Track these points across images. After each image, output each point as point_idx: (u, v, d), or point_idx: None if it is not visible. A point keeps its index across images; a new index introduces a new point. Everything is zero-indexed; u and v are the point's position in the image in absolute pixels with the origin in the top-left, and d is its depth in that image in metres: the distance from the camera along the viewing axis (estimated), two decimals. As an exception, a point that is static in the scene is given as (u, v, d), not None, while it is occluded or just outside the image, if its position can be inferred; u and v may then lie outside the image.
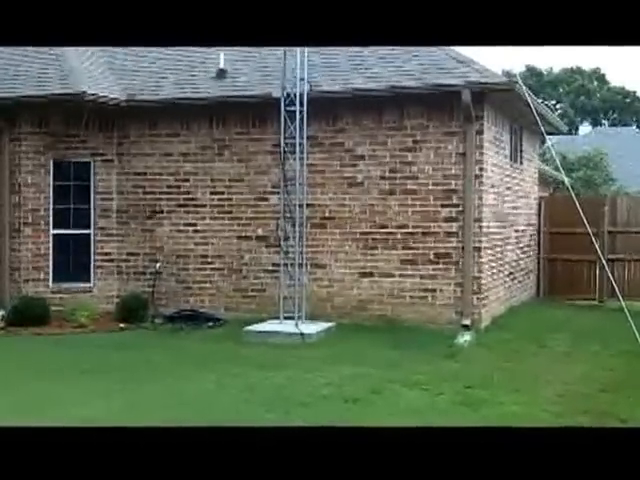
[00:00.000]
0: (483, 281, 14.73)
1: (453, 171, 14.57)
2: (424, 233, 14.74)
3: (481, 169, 14.52)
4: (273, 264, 15.32)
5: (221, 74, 15.95)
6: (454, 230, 14.60)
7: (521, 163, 18.66)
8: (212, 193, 15.84)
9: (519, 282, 18.56)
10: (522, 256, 18.82)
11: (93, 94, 15.18)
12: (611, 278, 16.78)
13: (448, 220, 14.62)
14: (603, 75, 70.19)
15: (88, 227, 16.16)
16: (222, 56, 15.99)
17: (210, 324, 15.05)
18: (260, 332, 13.85)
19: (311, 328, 13.92)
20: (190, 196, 15.97)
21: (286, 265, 14.67)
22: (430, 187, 14.69)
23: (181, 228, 16.05)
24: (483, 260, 14.70)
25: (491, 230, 15.40)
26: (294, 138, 14.33)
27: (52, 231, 15.91)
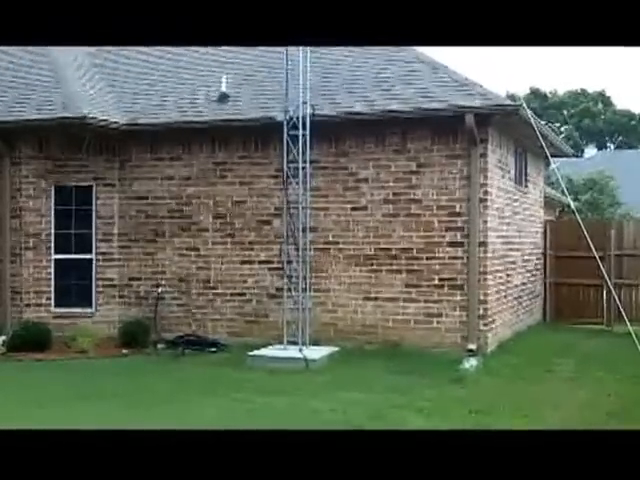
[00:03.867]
0: (489, 305, 14.57)
1: (457, 194, 14.47)
2: (429, 257, 14.62)
3: (486, 192, 14.40)
4: (276, 288, 15.20)
5: (223, 98, 15.90)
6: (459, 254, 14.47)
7: (526, 186, 18.56)
8: (214, 217, 15.75)
9: (525, 306, 18.41)
10: (528, 280, 18.68)
11: (94, 118, 15.11)
12: (617, 302, 16.64)
13: (453, 244, 14.50)
14: (608, 98, 70.30)
15: (90, 252, 16.07)
16: (224, 79, 15.97)
17: (213, 349, 14.92)
18: (263, 357, 13.71)
19: (315, 353, 13.77)
20: (192, 220, 15.88)
21: (289, 289, 14.54)
22: (434, 211, 14.58)
23: (183, 252, 15.95)
24: (489, 284, 14.56)
25: (496, 254, 15.26)
26: (297, 161, 14.23)
27: (53, 256, 15.84)
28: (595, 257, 14.30)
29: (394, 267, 14.79)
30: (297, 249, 14.43)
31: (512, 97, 20.87)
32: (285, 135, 14.23)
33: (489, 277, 14.58)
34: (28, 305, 15.69)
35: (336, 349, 14.30)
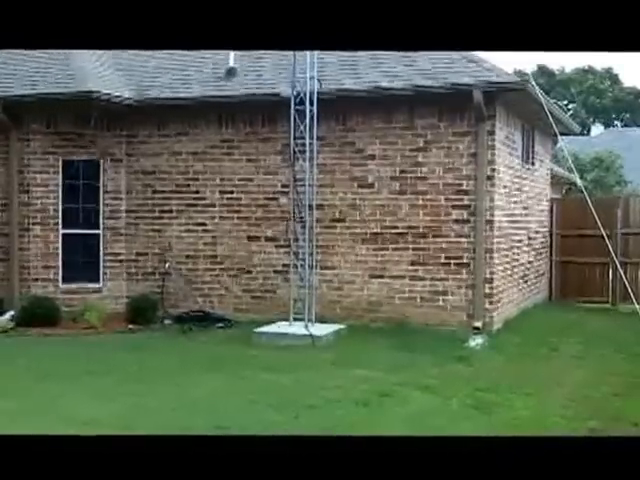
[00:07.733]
0: (495, 283, 14.59)
1: (464, 172, 14.45)
2: (435, 234, 14.61)
3: (493, 170, 14.38)
4: (283, 265, 15.23)
5: (230, 73, 15.86)
6: (465, 231, 14.47)
7: (533, 164, 18.52)
8: (221, 192, 15.75)
9: (531, 284, 18.42)
10: (534, 258, 18.67)
11: (101, 93, 15.09)
12: (625, 280, 16.64)
13: (459, 221, 14.50)
14: (616, 75, 69.85)
15: (97, 227, 16.10)
16: (232, 55, 15.91)
17: (219, 325, 14.96)
18: (269, 334, 13.75)
19: (321, 330, 13.80)
20: (199, 195, 15.88)
21: (296, 266, 14.56)
22: (441, 188, 14.56)
23: (190, 228, 15.97)
24: (495, 262, 14.56)
25: (503, 232, 15.26)
26: (304, 138, 14.21)
27: (61, 231, 15.85)
28: (602, 235, 14.29)
29: (400, 245, 14.80)
30: (303, 226, 14.43)
31: (519, 74, 20.79)
32: (292, 111, 14.20)
33: (495, 255, 14.59)
34: (36, 280, 15.72)
35: (342, 326, 14.32)
